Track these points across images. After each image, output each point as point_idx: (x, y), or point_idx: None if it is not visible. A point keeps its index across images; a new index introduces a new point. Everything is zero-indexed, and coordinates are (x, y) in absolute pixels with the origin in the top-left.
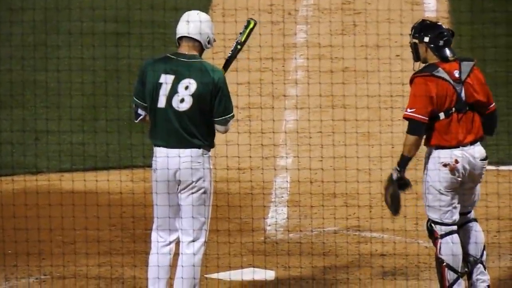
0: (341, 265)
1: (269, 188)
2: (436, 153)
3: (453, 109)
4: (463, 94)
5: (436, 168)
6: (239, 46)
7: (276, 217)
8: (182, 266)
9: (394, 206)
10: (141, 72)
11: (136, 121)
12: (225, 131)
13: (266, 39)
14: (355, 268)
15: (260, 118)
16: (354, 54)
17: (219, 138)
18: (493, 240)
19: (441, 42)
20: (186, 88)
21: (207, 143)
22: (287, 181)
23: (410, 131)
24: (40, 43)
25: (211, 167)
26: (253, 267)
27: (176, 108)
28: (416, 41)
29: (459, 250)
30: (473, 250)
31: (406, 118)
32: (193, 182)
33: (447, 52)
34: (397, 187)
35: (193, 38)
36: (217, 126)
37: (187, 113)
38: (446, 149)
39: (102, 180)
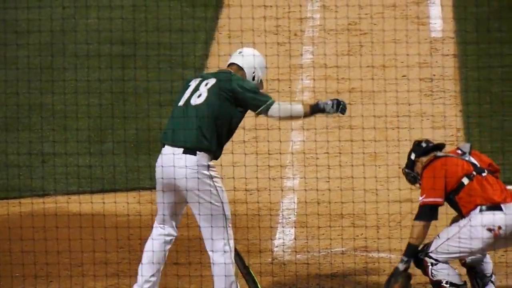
0: (349, 286)
1: (276, 209)
2: (479, 216)
3: (473, 172)
4: (474, 161)
5: (479, 233)
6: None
7: (284, 238)
8: (212, 275)
9: None
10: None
11: None
12: (278, 117)
13: (272, 60)
14: None
15: (267, 139)
16: (360, 74)
17: (225, 159)
18: (501, 259)
19: (424, 144)
20: (206, 84)
21: (208, 147)
22: (294, 202)
23: (421, 217)
24: (46, 66)
25: (209, 173)
26: None
27: (192, 103)
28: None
29: (449, 265)
30: (483, 269)
31: (421, 206)
32: (185, 183)
33: (436, 145)
34: (406, 279)
35: (238, 65)
36: (270, 116)
37: (199, 107)
38: (488, 212)
39: (109, 202)
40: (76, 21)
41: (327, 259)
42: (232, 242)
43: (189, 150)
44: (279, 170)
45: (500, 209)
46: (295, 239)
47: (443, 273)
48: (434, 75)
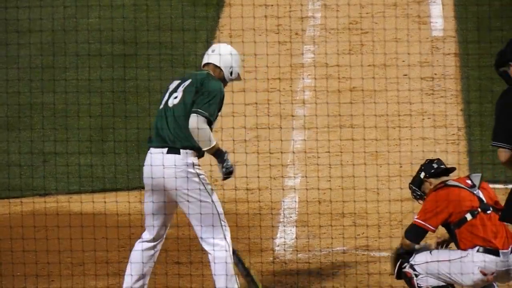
0: (350, 285)
1: (277, 208)
2: (475, 256)
3: (478, 209)
4: (481, 196)
5: (470, 271)
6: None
7: (285, 237)
8: (212, 274)
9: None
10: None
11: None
12: (193, 127)
13: (274, 60)
14: (364, 287)
15: (268, 138)
16: (362, 73)
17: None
18: None
19: (436, 165)
20: (182, 86)
21: (191, 145)
22: (295, 201)
23: (408, 235)
24: (47, 65)
25: (195, 170)
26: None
27: (169, 105)
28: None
29: (434, 270)
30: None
31: (412, 224)
32: (171, 183)
33: (448, 169)
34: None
35: (214, 64)
36: (190, 119)
37: (176, 107)
38: (486, 255)
39: (111, 201)
40: (78, 21)
41: (328, 258)
42: (229, 239)
43: (173, 149)
44: (280, 169)
45: (498, 254)
46: (296, 238)
47: (427, 280)
48: (435, 74)
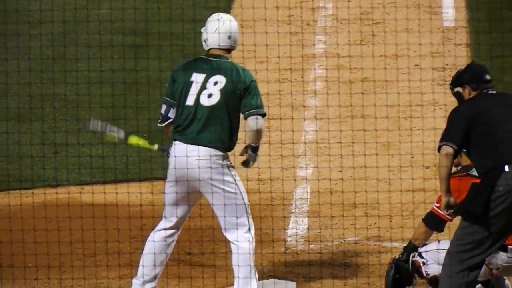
0: (362, 275)
1: (289, 198)
2: None
3: None
4: None
5: None
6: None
7: (297, 227)
8: (234, 264)
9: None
10: (173, 73)
11: (162, 125)
12: (258, 128)
13: (285, 50)
14: (376, 278)
15: (279, 129)
16: (373, 64)
17: (237, 150)
18: None
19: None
20: (215, 83)
21: (225, 145)
22: (307, 192)
23: (426, 222)
24: (59, 56)
25: (226, 163)
26: (274, 278)
27: (204, 104)
28: None
29: (442, 259)
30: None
31: (431, 212)
32: (202, 177)
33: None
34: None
35: (228, 49)
36: (249, 122)
37: (215, 107)
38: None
39: (122, 192)
40: (89, 11)
41: (340, 249)
42: (253, 231)
43: (205, 145)
44: (292, 160)
45: (506, 250)
46: (308, 228)
47: (436, 268)
48: (446, 64)
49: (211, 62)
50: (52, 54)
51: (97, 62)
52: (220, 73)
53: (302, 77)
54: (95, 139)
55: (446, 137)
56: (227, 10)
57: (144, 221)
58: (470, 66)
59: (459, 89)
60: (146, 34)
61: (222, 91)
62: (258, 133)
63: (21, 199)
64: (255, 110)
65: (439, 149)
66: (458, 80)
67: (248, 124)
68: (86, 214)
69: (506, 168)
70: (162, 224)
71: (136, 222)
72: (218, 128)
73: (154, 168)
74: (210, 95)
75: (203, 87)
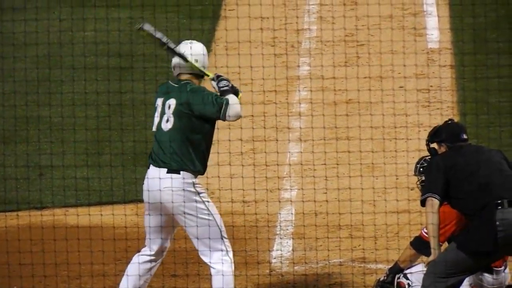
0: None
1: (274, 220)
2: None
3: None
4: None
5: (464, 285)
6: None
7: (281, 249)
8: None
9: None
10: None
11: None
12: (236, 117)
13: (270, 72)
14: None
15: (264, 151)
16: (358, 85)
17: (222, 171)
18: None
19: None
20: (169, 107)
21: (192, 168)
22: (291, 213)
23: (417, 248)
24: (43, 78)
25: (195, 189)
26: None
27: (164, 128)
28: None
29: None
30: None
31: (419, 237)
32: (173, 204)
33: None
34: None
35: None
36: (228, 119)
37: (172, 131)
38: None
39: (107, 214)
40: (73, 34)
41: (325, 271)
42: (231, 253)
43: (173, 170)
44: (277, 182)
45: (491, 272)
46: (293, 250)
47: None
48: (431, 86)
49: (169, 86)
50: (36, 76)
51: (81, 84)
52: (172, 96)
53: (287, 99)
54: (80, 161)
55: (428, 189)
56: (211, 32)
57: (129, 243)
58: (448, 125)
59: (435, 145)
60: (131, 56)
61: (175, 114)
62: (236, 118)
63: (6, 221)
64: (221, 112)
65: (423, 203)
66: (435, 137)
67: (228, 120)
68: (71, 236)
69: (506, 204)
70: (142, 250)
71: (121, 244)
72: (183, 151)
73: (138, 190)
74: (167, 120)
75: (163, 111)
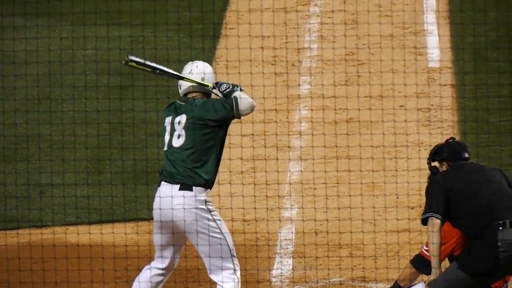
0: None
1: (274, 239)
2: None
3: None
4: None
5: None
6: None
7: (282, 268)
8: None
9: None
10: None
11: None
12: (250, 109)
13: (270, 91)
14: None
15: (264, 169)
16: (358, 104)
17: (223, 190)
18: None
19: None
20: (179, 123)
21: (205, 182)
22: (292, 232)
23: (417, 266)
24: (44, 97)
25: (207, 207)
26: None
27: (175, 145)
28: None
29: None
30: None
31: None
32: (185, 222)
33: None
34: None
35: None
36: (242, 114)
37: (184, 147)
38: None
39: (107, 232)
40: (74, 52)
41: None
42: (238, 272)
43: (186, 186)
44: (277, 201)
45: None
46: (293, 269)
47: None
48: (431, 105)
49: (178, 104)
50: (37, 95)
51: (82, 103)
52: (181, 113)
53: (287, 117)
54: (80, 180)
55: (429, 208)
56: (211, 51)
57: (129, 261)
58: (449, 143)
59: (436, 163)
60: (131, 75)
61: (186, 128)
62: (249, 111)
63: (6, 239)
64: (234, 110)
65: (425, 222)
66: (437, 156)
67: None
68: (71, 255)
69: (508, 224)
70: (152, 263)
71: (121, 262)
72: (196, 163)
73: (139, 209)
74: (179, 136)
75: (173, 129)
